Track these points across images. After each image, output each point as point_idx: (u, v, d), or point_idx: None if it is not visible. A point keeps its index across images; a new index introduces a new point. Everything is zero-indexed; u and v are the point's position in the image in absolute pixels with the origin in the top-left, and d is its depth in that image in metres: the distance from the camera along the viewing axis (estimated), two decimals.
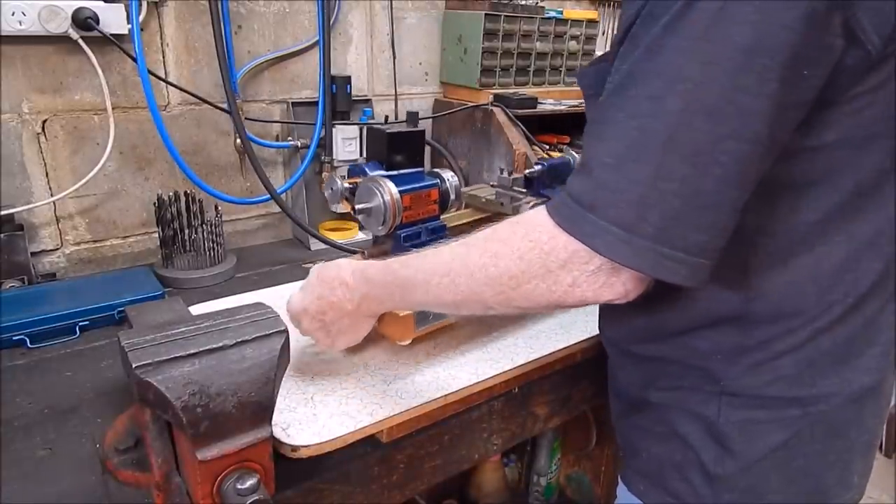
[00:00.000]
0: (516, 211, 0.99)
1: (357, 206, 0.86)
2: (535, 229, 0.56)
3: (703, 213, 0.50)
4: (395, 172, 0.89)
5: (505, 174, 1.04)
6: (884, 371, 0.65)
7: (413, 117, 0.96)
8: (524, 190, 1.03)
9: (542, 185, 1.07)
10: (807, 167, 0.55)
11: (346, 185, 0.90)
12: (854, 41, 0.48)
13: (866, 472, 0.70)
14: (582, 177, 0.53)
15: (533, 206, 0.95)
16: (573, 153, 1.10)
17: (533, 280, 0.55)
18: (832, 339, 0.61)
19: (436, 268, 0.63)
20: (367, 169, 0.91)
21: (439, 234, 0.93)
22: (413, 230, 0.90)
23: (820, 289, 0.59)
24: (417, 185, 0.89)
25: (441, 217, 0.95)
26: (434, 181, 0.93)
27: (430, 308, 0.74)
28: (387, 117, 1.60)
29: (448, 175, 0.95)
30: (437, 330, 0.93)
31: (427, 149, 1.61)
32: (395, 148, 0.91)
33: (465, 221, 1.04)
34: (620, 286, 0.54)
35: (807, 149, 0.54)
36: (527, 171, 1.05)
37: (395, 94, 1.64)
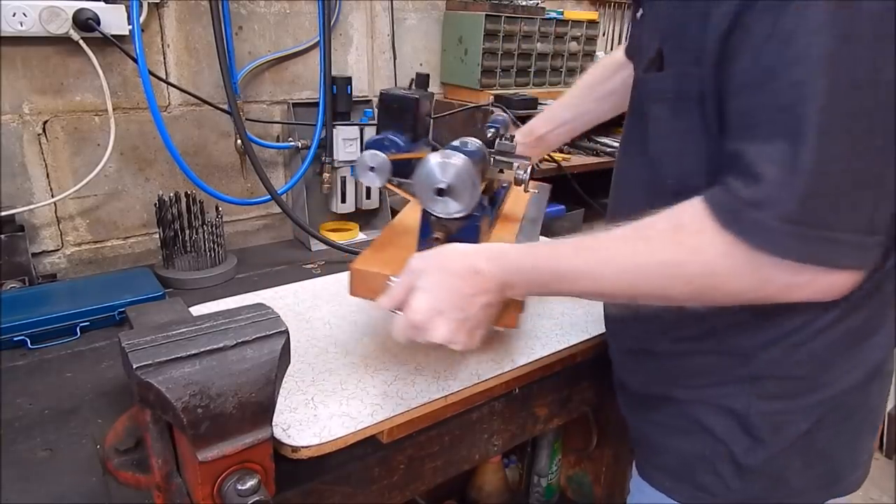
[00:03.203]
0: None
1: (437, 186, 0.72)
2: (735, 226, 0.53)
3: (870, 188, 0.50)
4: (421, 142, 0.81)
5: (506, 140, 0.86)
6: (887, 349, 0.68)
7: (423, 80, 0.82)
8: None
9: None
10: None
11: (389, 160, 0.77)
12: None
13: (871, 451, 0.74)
14: (749, 180, 0.51)
15: None
16: None
17: (740, 278, 0.53)
18: (853, 321, 0.63)
19: (612, 261, 0.59)
20: (398, 140, 0.79)
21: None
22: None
23: None
24: (478, 155, 0.75)
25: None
26: (478, 146, 0.78)
27: (588, 297, 0.72)
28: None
29: (500, 116, 0.83)
30: None
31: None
32: (403, 115, 0.79)
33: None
34: (828, 285, 0.53)
35: None
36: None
37: None
